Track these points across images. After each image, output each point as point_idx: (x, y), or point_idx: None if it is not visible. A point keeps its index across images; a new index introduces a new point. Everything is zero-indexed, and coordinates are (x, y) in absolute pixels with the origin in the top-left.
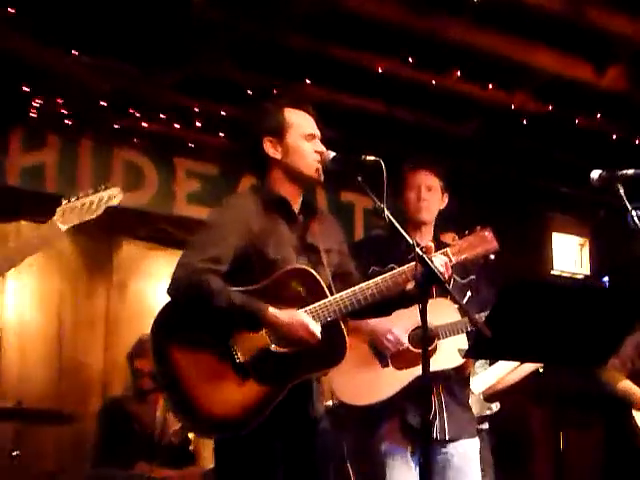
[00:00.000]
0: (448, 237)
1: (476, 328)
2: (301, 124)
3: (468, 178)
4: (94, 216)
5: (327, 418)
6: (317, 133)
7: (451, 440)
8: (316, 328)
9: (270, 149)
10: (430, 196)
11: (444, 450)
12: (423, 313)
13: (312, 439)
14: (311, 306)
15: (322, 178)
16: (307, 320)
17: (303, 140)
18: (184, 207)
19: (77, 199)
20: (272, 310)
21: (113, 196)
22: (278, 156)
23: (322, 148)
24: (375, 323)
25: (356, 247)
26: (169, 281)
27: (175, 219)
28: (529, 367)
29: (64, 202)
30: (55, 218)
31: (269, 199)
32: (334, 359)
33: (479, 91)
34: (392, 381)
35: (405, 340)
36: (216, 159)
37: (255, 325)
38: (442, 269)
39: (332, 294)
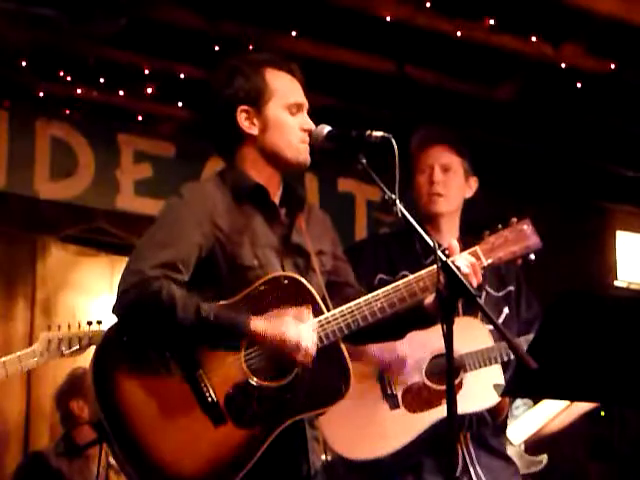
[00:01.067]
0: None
1: (517, 357)
2: (285, 91)
3: (503, 156)
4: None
5: (324, 477)
6: (305, 103)
7: None
8: (311, 344)
9: (245, 122)
10: (447, 179)
11: None
12: (448, 337)
13: None
14: (302, 325)
15: (308, 163)
16: (303, 333)
17: (287, 113)
18: (130, 200)
19: (60, 329)
20: (256, 320)
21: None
22: (254, 131)
23: (311, 125)
24: (385, 344)
25: (357, 250)
26: (114, 297)
27: (118, 215)
28: (584, 407)
29: (48, 331)
30: (39, 347)
31: (241, 187)
32: (334, 394)
33: (518, 44)
34: (403, 427)
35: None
36: (173, 136)
37: (234, 342)
38: (467, 270)
39: (328, 309)
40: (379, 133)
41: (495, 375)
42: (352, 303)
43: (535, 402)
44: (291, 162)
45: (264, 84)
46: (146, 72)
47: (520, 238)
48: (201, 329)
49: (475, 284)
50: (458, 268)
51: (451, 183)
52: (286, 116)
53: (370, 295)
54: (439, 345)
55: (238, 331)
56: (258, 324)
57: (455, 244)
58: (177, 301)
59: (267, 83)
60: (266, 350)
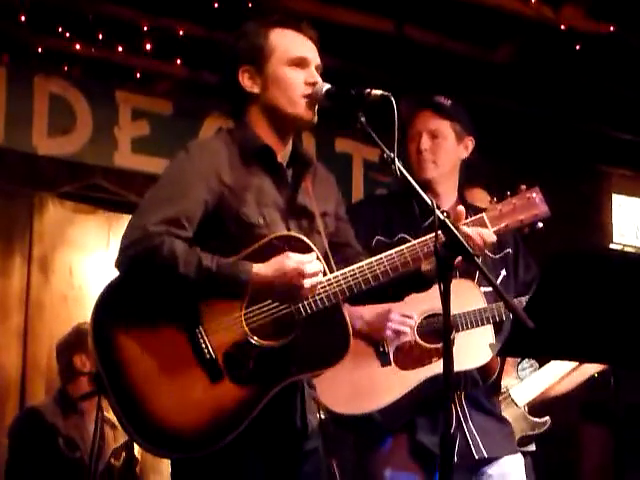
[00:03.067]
0: (476, 195)
1: (514, 317)
2: (287, 46)
3: (501, 119)
4: None
5: (319, 436)
6: (313, 58)
7: (486, 461)
8: (315, 267)
9: (247, 81)
10: (435, 146)
11: (481, 471)
12: (445, 296)
13: (299, 462)
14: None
15: (311, 117)
16: (305, 260)
17: (288, 67)
18: (128, 157)
19: None
20: (257, 268)
21: None
22: (256, 90)
23: (316, 78)
24: (370, 307)
25: (354, 210)
26: (111, 253)
27: (115, 172)
28: (590, 369)
29: None
30: None
31: (248, 146)
32: (334, 355)
33: (518, 5)
34: (393, 384)
35: (415, 317)
36: (171, 94)
37: (237, 293)
38: (477, 240)
39: (331, 270)
40: (379, 91)
41: (487, 336)
42: (355, 266)
43: (541, 364)
44: (292, 117)
45: (265, 42)
46: (145, 29)
47: (528, 206)
48: (204, 282)
49: (478, 251)
50: (457, 227)
51: (440, 149)
52: (288, 71)
53: (374, 258)
54: (432, 305)
55: (240, 280)
56: (260, 268)
57: (462, 210)
58: (178, 256)
59: (269, 41)
60: (274, 294)
